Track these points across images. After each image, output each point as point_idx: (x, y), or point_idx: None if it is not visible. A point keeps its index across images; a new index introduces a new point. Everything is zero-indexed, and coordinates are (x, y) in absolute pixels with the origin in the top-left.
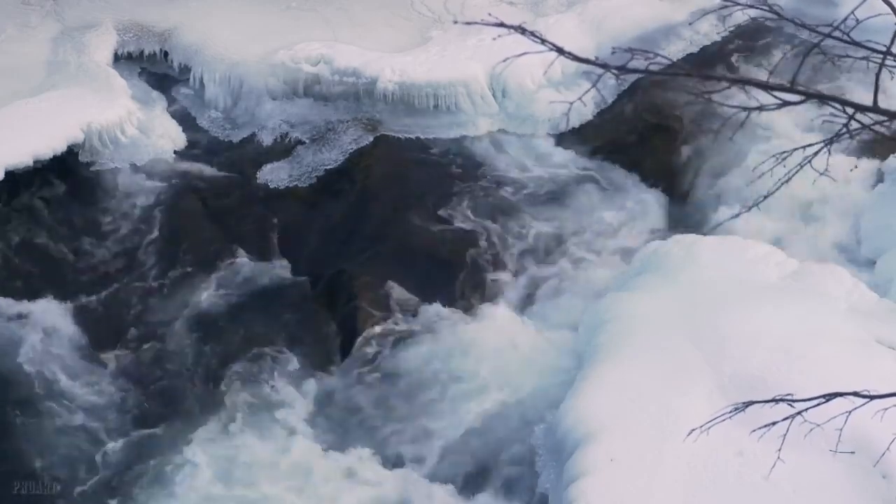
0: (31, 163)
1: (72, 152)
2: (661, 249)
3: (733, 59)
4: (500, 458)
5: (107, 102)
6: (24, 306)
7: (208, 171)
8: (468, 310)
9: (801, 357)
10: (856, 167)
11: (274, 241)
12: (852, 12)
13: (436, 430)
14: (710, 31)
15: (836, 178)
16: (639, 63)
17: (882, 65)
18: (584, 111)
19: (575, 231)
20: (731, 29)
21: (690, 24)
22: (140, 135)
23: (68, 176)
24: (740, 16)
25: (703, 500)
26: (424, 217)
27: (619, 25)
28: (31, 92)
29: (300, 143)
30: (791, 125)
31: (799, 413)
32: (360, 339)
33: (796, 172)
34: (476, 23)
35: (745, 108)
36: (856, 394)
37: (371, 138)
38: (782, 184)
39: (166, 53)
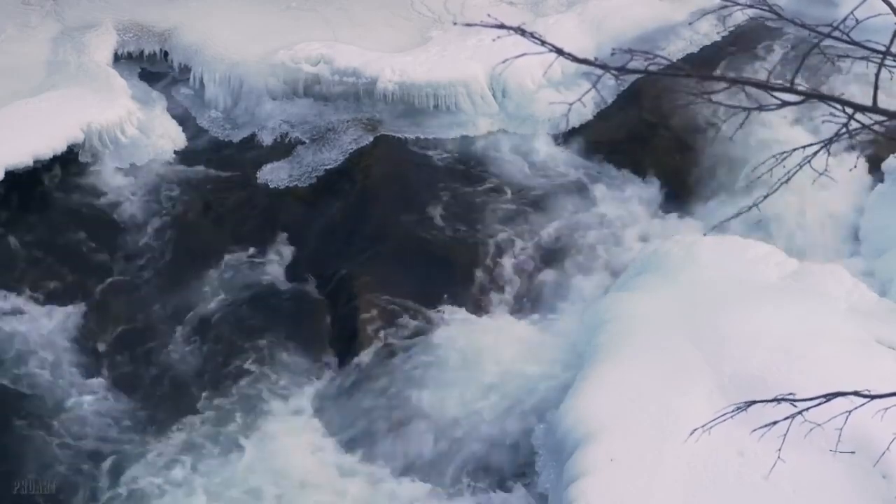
0: (31, 163)
1: (72, 152)
2: (660, 249)
3: (733, 59)
4: (500, 458)
5: (107, 102)
6: (23, 306)
7: (208, 171)
8: (468, 309)
9: (802, 357)
10: (856, 167)
11: (274, 241)
12: (852, 12)
13: (435, 431)
14: (709, 31)
15: (836, 178)
16: (638, 63)
17: (881, 65)
18: (584, 111)
19: (574, 231)
20: (731, 29)
21: (690, 24)
22: (140, 135)
23: (68, 176)
24: (740, 16)
25: (704, 500)
26: (424, 217)
27: (619, 25)
28: (31, 92)
29: (300, 142)
30: (791, 125)
31: (800, 413)
32: (359, 340)
33: (796, 172)
34: (476, 24)
35: (745, 108)
36: (856, 393)
37: (371, 138)
38: (782, 184)
39: (166, 53)
